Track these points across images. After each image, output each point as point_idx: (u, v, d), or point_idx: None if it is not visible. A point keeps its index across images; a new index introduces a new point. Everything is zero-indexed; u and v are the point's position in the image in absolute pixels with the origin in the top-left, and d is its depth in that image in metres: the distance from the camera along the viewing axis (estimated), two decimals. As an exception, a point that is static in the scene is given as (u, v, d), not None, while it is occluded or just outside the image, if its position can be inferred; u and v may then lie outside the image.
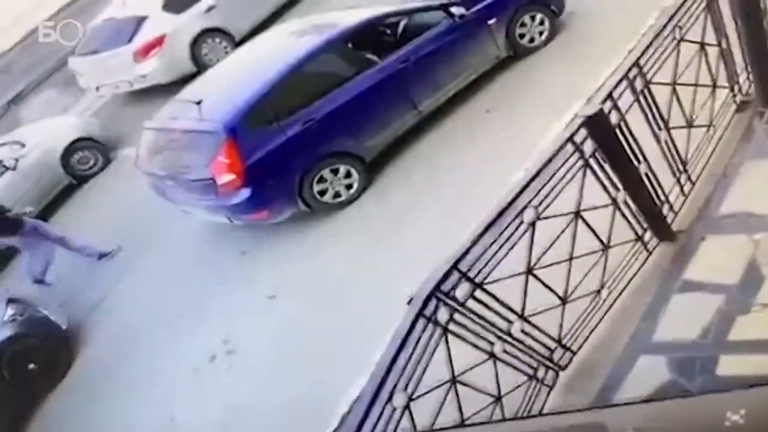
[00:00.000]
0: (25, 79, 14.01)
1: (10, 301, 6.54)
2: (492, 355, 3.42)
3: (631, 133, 3.88)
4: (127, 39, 10.61)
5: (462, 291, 3.28)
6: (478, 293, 3.33)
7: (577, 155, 3.65)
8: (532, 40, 7.37)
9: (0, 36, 14.12)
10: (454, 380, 3.20)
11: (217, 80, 7.49)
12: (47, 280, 7.55)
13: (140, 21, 10.66)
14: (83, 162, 9.70)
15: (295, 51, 6.80)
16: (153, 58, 10.44)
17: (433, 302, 3.18)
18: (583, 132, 3.67)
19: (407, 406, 3.00)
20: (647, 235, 4.10)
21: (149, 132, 7.14)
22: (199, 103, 6.45)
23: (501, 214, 3.40)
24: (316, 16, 8.04)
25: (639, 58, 3.97)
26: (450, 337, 3.21)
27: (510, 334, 3.52)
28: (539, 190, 3.48)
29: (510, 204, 3.44)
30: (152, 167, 6.94)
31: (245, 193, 6.23)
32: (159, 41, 10.49)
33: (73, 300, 7.29)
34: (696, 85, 4.37)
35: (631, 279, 3.99)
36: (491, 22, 7.10)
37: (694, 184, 4.36)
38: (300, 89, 6.48)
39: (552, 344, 3.72)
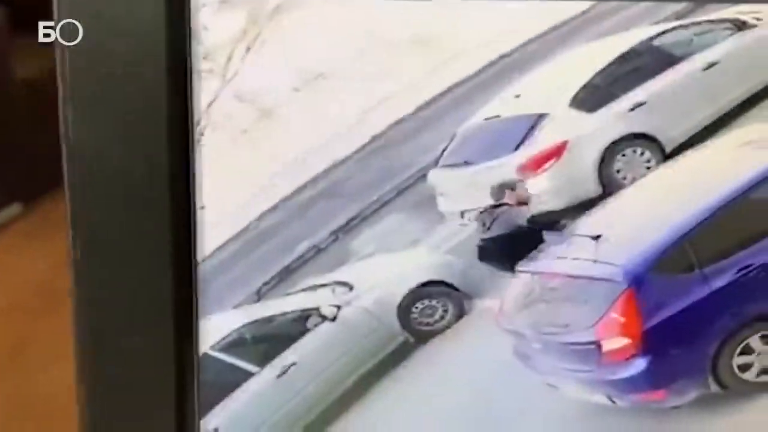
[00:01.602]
0: (360, 200, 15.96)
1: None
2: None
3: None
4: (513, 146, 12.14)
5: None
6: None
7: None
8: None
9: (335, 142, 16.57)
10: None
11: (627, 208, 8.40)
12: None
13: (536, 121, 12.23)
14: (428, 314, 11.25)
15: (744, 170, 7.47)
16: (545, 174, 11.86)
17: None
18: None
19: None
20: None
21: (521, 276, 8.23)
22: (597, 238, 7.38)
23: None
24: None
25: None
26: None
27: None
28: None
29: None
30: (517, 324, 7.93)
31: (639, 364, 6.95)
32: (558, 150, 11.87)
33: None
34: None
35: None
36: None
37: None
38: (740, 224, 7.15)
39: None
